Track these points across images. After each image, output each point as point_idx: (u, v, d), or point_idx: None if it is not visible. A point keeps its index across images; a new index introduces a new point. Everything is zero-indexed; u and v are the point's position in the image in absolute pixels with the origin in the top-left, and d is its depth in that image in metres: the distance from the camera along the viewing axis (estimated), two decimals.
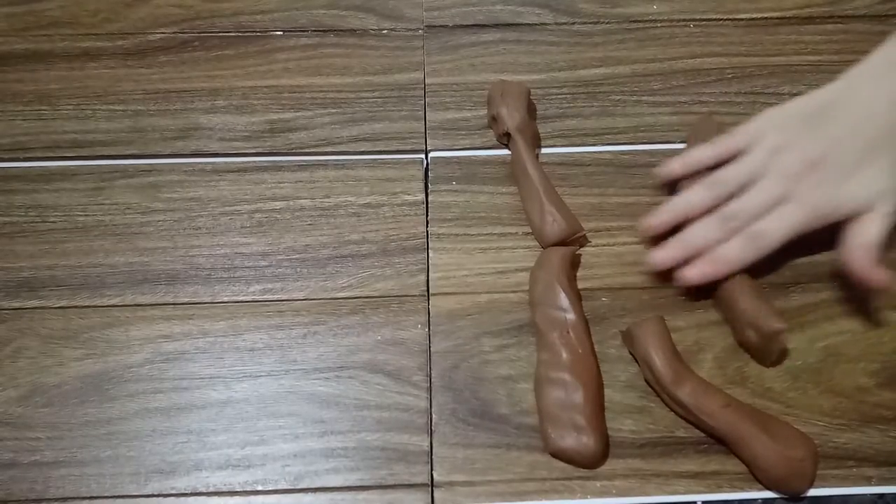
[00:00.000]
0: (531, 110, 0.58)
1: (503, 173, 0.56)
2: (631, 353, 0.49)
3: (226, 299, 0.51)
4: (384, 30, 0.64)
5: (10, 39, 0.63)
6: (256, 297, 0.51)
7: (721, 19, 0.64)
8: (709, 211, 0.50)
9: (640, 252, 0.53)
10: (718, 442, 0.46)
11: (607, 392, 0.48)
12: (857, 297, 0.50)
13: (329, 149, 0.58)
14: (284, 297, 0.51)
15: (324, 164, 0.57)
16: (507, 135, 0.56)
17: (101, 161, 0.57)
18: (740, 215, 0.49)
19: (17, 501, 0.45)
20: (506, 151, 0.57)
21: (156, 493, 0.45)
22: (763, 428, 0.44)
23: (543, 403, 0.46)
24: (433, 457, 0.46)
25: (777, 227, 0.49)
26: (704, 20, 0.64)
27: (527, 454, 0.46)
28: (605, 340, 0.49)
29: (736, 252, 0.49)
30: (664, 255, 0.50)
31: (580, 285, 0.51)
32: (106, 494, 0.45)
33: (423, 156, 0.57)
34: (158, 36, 0.64)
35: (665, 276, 0.51)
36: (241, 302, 0.51)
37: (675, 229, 0.51)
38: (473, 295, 0.51)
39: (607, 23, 0.64)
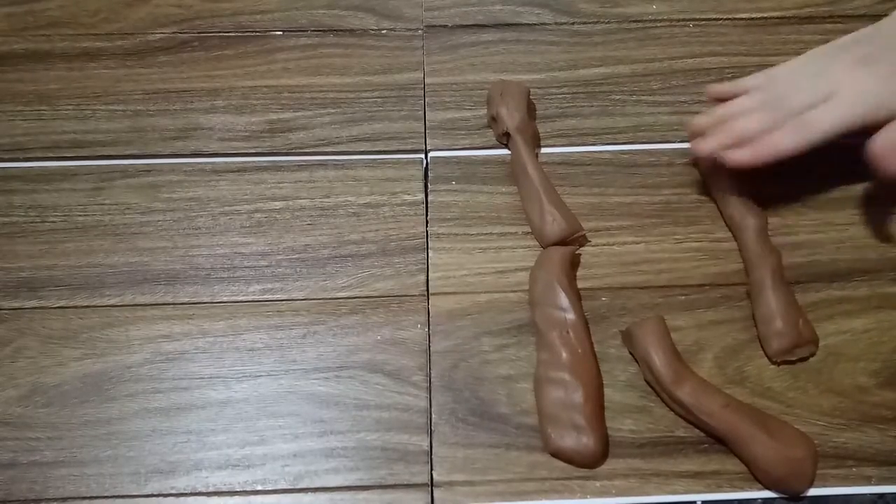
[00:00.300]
0: (531, 110, 0.58)
1: (503, 173, 0.56)
2: (631, 353, 0.49)
3: (225, 299, 0.51)
4: (384, 30, 0.64)
5: (9, 39, 0.63)
6: (256, 297, 0.51)
7: (721, 19, 0.64)
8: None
9: (640, 252, 0.53)
10: (718, 442, 0.46)
11: (607, 392, 0.47)
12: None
13: (329, 149, 0.58)
14: (284, 297, 0.51)
15: (323, 164, 0.57)
16: (507, 134, 0.56)
17: (101, 161, 0.57)
18: (788, 105, 0.49)
19: (17, 501, 0.45)
20: (505, 151, 0.57)
21: (155, 492, 0.45)
22: (763, 428, 0.44)
23: (543, 403, 0.46)
24: (433, 456, 0.46)
25: (825, 119, 0.49)
26: (704, 20, 0.64)
27: (527, 454, 0.46)
28: (605, 340, 0.49)
29: (784, 139, 0.49)
30: (708, 142, 0.50)
31: (580, 285, 0.51)
32: (106, 494, 0.45)
33: (422, 156, 0.57)
34: (158, 36, 0.64)
35: (665, 276, 0.51)
36: (241, 302, 0.51)
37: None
38: (473, 295, 0.51)
39: (607, 22, 0.64)
